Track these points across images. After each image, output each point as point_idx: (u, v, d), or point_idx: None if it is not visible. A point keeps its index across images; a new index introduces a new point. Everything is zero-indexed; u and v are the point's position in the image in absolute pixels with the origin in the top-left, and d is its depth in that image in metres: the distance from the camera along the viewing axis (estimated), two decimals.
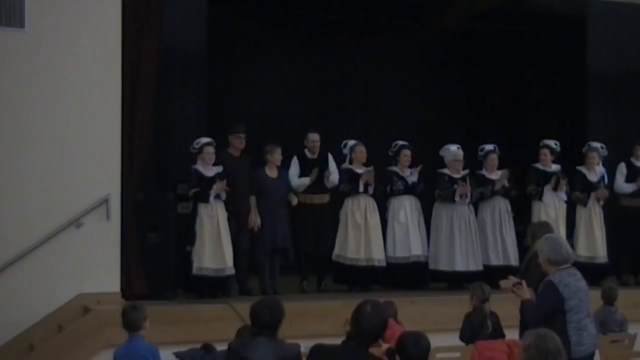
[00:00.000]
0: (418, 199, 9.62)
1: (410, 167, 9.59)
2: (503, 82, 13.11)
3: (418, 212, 9.59)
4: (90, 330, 7.45)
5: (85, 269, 7.88)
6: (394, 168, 9.63)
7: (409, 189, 9.54)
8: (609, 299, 7.64)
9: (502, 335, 6.82)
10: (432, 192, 9.68)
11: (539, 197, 9.77)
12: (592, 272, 9.46)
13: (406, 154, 9.61)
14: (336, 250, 9.23)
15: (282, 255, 9.05)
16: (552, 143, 10.01)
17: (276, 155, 9.08)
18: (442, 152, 9.81)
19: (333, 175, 9.32)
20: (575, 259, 9.21)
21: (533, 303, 5.61)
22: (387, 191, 9.52)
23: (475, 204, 9.71)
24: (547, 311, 5.44)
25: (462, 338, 6.88)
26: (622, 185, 10.18)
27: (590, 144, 10.22)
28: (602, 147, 10.17)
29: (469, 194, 9.51)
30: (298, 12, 12.00)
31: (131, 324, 5.70)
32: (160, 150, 9.57)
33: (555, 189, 9.71)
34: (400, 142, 9.74)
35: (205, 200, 8.39)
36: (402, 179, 9.54)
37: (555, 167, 9.93)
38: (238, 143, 8.98)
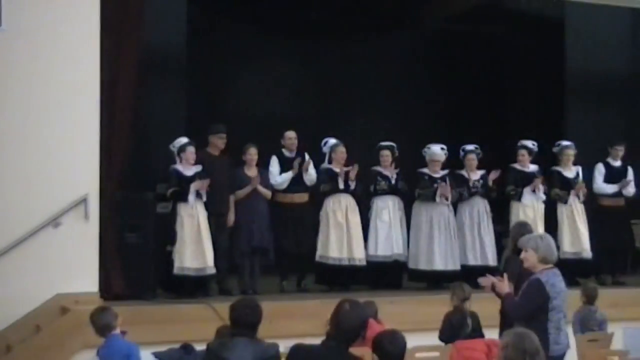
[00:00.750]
0: (401, 199, 9.65)
1: (394, 167, 9.64)
2: (482, 82, 13.16)
3: (401, 212, 9.63)
4: (69, 330, 7.39)
5: (63, 268, 7.81)
6: (377, 168, 9.65)
7: (393, 189, 9.57)
8: (590, 299, 7.68)
9: (482, 335, 6.83)
10: (413, 192, 9.72)
11: (518, 197, 9.82)
12: (578, 269, 9.57)
13: (384, 154, 9.65)
14: (319, 251, 9.23)
15: (262, 255, 9.04)
16: (529, 143, 10.08)
17: (249, 155, 9.08)
18: (424, 152, 9.85)
19: (311, 171, 9.31)
20: (562, 257, 9.45)
21: (514, 298, 5.65)
22: (371, 190, 9.55)
23: (455, 204, 9.75)
24: (533, 309, 5.51)
25: (441, 338, 6.88)
26: (601, 185, 10.24)
27: (561, 143, 10.28)
28: (572, 145, 10.26)
29: (449, 194, 9.55)
30: (278, 11, 11.98)
31: (105, 326, 5.67)
32: (139, 150, 9.52)
33: (534, 190, 9.77)
34: (382, 143, 9.77)
35: (185, 199, 8.37)
36: (386, 178, 9.57)
37: (533, 168, 10.01)
38: (221, 143, 8.99)
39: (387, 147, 9.72)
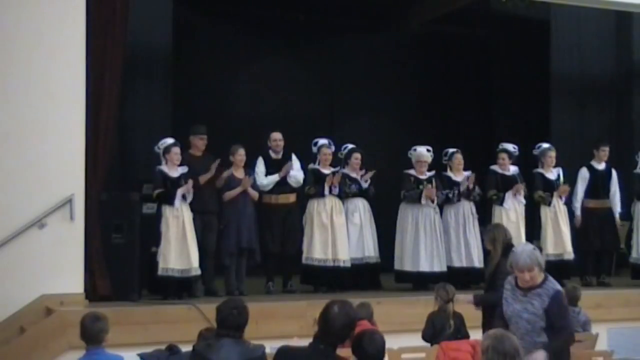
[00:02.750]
0: (368, 201, 9.65)
1: (360, 169, 9.63)
2: (467, 84, 13.20)
3: (369, 213, 9.64)
4: (53, 331, 7.35)
5: (48, 269, 7.78)
6: (346, 171, 9.64)
7: (362, 192, 9.58)
8: (572, 300, 7.70)
9: (467, 336, 6.86)
10: (393, 193, 9.72)
11: (500, 202, 9.85)
12: (562, 271, 9.61)
13: (357, 157, 9.67)
14: (305, 253, 9.23)
15: (249, 256, 9.03)
16: (510, 147, 10.11)
17: (238, 156, 9.07)
18: (410, 153, 9.86)
19: (297, 174, 9.31)
20: (545, 258, 9.49)
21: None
22: (342, 194, 9.53)
23: (441, 206, 9.77)
24: None
25: (424, 337, 6.92)
26: (580, 197, 10.27)
27: (542, 145, 10.31)
28: (553, 147, 10.30)
29: (434, 196, 9.56)
30: (264, 12, 11.99)
31: (93, 336, 5.13)
32: (125, 150, 9.51)
33: (515, 194, 9.81)
34: (350, 146, 9.78)
35: (171, 202, 8.35)
36: (355, 181, 9.57)
37: (513, 170, 10.04)
38: (201, 144, 8.99)
39: (358, 151, 9.72)
